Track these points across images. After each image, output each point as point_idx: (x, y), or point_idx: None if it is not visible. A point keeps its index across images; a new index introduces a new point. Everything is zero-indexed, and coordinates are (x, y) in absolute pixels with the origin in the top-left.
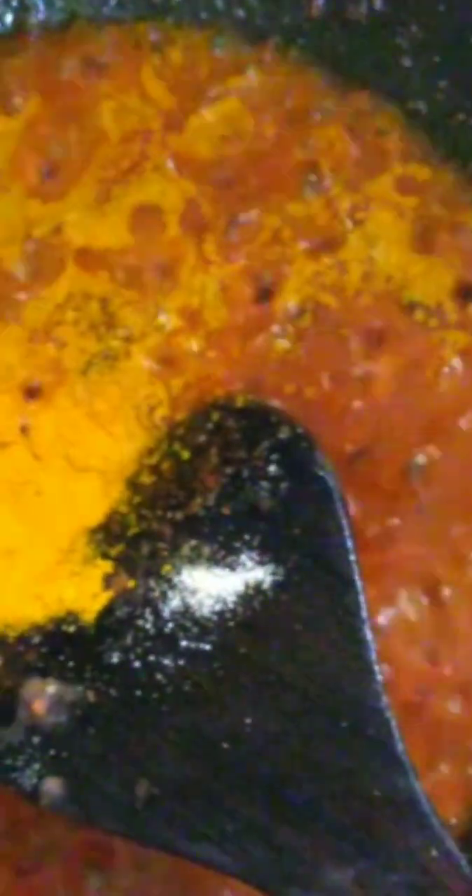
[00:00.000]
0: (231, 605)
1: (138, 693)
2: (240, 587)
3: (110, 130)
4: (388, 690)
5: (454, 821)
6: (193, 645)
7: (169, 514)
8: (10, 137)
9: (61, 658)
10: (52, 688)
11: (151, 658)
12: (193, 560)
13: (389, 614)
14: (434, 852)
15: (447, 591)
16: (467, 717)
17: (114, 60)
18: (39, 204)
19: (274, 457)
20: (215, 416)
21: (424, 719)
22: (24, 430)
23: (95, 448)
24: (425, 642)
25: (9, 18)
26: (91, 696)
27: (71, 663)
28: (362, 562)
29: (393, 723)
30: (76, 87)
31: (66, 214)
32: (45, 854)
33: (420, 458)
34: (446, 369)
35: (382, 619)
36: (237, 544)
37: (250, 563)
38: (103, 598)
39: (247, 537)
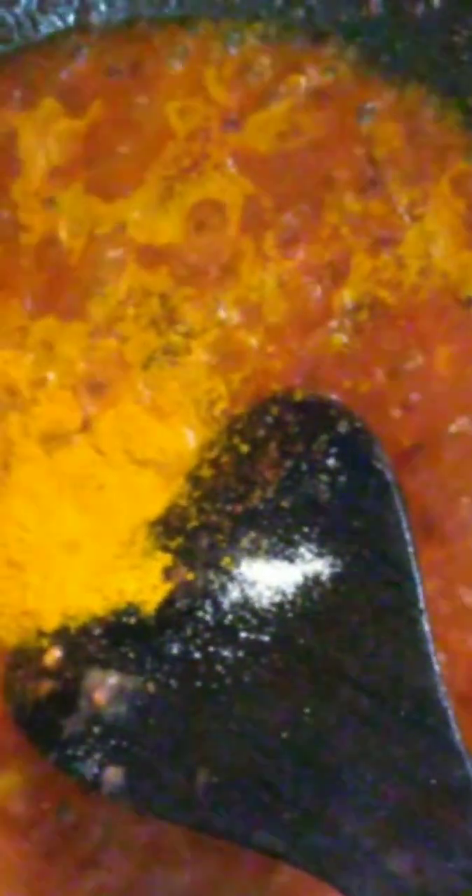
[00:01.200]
0: (290, 597)
1: (198, 684)
2: (299, 579)
3: (177, 129)
4: (445, 681)
5: None
6: (252, 636)
7: (228, 507)
8: (75, 138)
9: (122, 649)
10: (112, 679)
11: (211, 649)
12: (252, 552)
13: (448, 605)
14: None
15: None
16: None
17: (176, 61)
18: (102, 202)
19: (333, 450)
20: (274, 409)
21: None
22: (85, 424)
23: (156, 442)
24: None
25: (71, 17)
26: (151, 686)
27: (131, 654)
28: (422, 554)
29: (450, 713)
30: (138, 87)
31: (129, 213)
32: (106, 848)
33: None
34: None
35: (441, 609)
36: (296, 536)
37: (308, 556)
38: (163, 590)
39: (306, 530)
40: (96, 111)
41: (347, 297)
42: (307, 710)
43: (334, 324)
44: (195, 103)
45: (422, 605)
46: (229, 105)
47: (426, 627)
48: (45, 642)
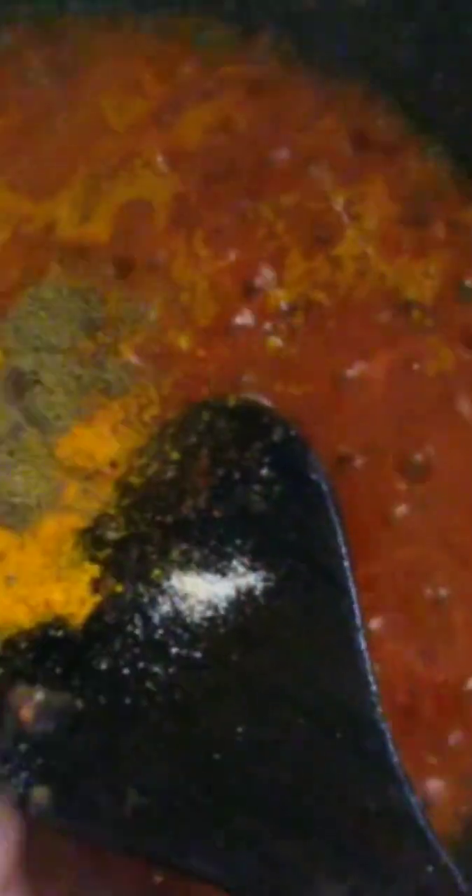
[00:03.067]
0: (222, 612)
1: (128, 701)
2: (231, 593)
3: (114, 125)
4: (382, 693)
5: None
6: (183, 652)
7: (158, 517)
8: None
9: (49, 664)
10: (39, 695)
11: (141, 665)
12: (183, 564)
13: (384, 616)
14: (430, 868)
15: (443, 593)
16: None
17: (107, 57)
18: (29, 200)
19: (266, 459)
20: (206, 415)
21: (417, 723)
22: (15, 428)
23: (84, 448)
24: (420, 643)
25: None
26: (79, 703)
27: (58, 670)
28: (357, 564)
29: (388, 734)
30: (67, 83)
31: (57, 211)
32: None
33: (417, 458)
34: (441, 369)
35: (376, 622)
36: (228, 549)
37: (241, 569)
38: (91, 602)
39: (238, 541)
40: (16, 109)
41: (281, 298)
42: (240, 730)
43: (268, 327)
44: (131, 99)
45: (358, 620)
46: (161, 100)
47: (363, 645)
48: None
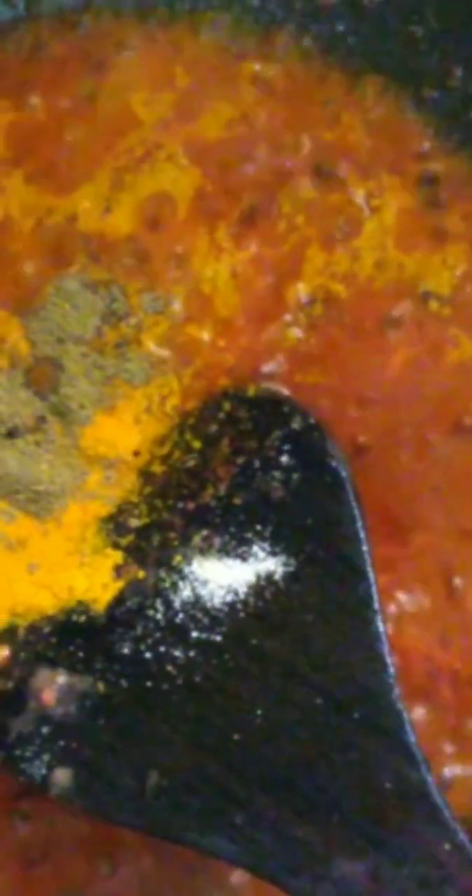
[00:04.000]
0: (242, 596)
1: (149, 684)
2: (251, 578)
3: (144, 119)
4: (400, 676)
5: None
6: (203, 636)
7: (180, 505)
8: (22, 128)
9: (71, 648)
10: (62, 678)
11: (162, 649)
12: (203, 550)
13: (403, 602)
14: (447, 846)
15: (458, 581)
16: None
17: (129, 52)
18: (50, 193)
19: (286, 447)
20: (227, 405)
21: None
22: (40, 418)
23: (106, 437)
24: (438, 630)
25: (20, 5)
26: (101, 686)
27: (81, 654)
28: (376, 551)
29: (405, 714)
30: (94, 77)
31: (79, 204)
32: (53, 844)
33: (435, 447)
34: (461, 358)
35: (396, 606)
36: (248, 535)
37: (261, 554)
38: (114, 588)
39: (258, 528)
40: (40, 102)
41: (301, 290)
42: (259, 712)
43: (288, 318)
44: (160, 93)
45: (376, 605)
46: (187, 94)
47: (381, 628)
48: None
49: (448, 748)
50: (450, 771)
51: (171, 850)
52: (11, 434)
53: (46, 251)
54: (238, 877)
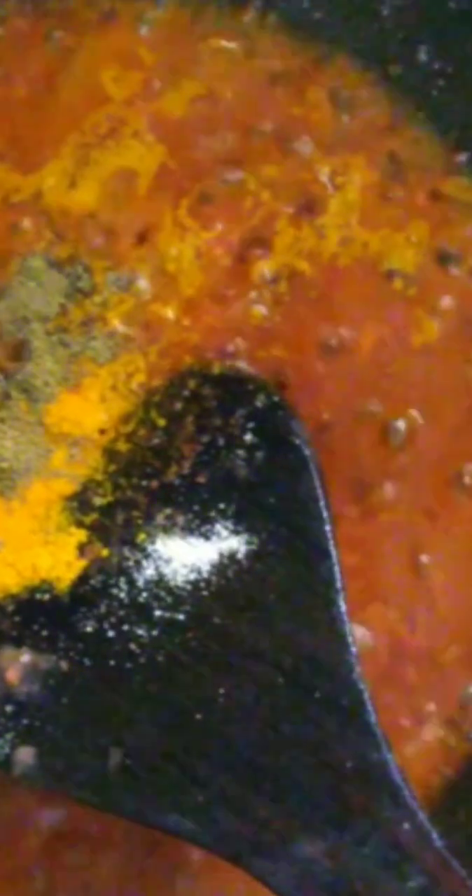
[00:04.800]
0: (205, 575)
1: (112, 663)
2: (214, 557)
3: (113, 95)
4: (363, 656)
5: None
6: (167, 615)
7: (144, 483)
8: None
9: (35, 627)
10: (25, 657)
11: (125, 628)
12: (167, 529)
13: (367, 580)
14: (406, 826)
15: (424, 559)
16: (438, 682)
17: (101, 27)
18: (16, 172)
19: (250, 425)
20: (192, 383)
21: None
22: (4, 395)
23: (71, 415)
24: (403, 608)
25: None
26: (65, 665)
27: (45, 632)
28: (341, 530)
29: (366, 694)
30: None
31: (45, 181)
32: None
33: (400, 424)
34: (425, 341)
35: (361, 583)
36: (212, 513)
37: (224, 533)
38: (77, 566)
39: (222, 506)
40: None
41: (266, 268)
42: (222, 691)
43: (252, 295)
44: (128, 70)
45: (339, 584)
46: (153, 71)
47: (343, 607)
48: None
49: (409, 727)
50: (411, 750)
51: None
52: None
53: (11, 228)
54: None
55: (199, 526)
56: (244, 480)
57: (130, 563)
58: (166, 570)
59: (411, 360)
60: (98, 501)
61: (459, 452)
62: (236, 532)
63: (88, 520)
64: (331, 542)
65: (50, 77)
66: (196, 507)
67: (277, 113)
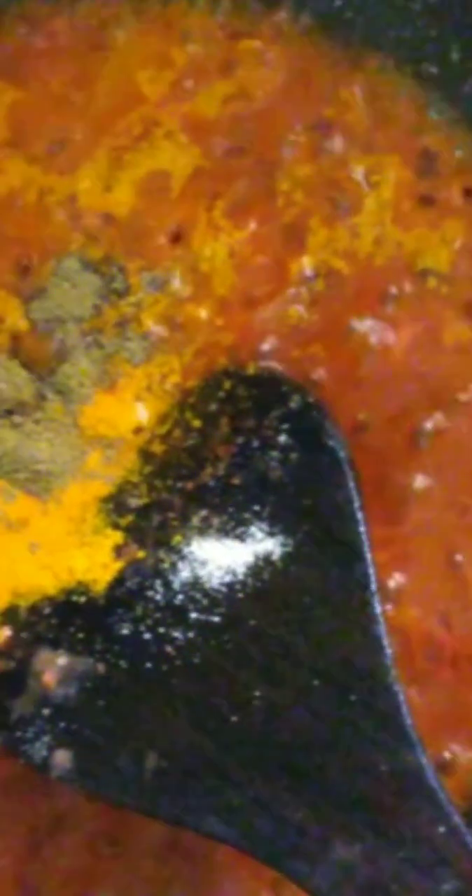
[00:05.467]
0: (241, 577)
1: (148, 665)
2: (250, 558)
3: (149, 96)
4: (399, 658)
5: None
6: (202, 617)
7: (179, 484)
8: (19, 107)
9: (72, 629)
10: (62, 659)
11: (161, 630)
12: (203, 531)
13: (402, 580)
14: (442, 829)
15: (459, 557)
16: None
17: (134, 25)
18: (53, 174)
19: (285, 426)
20: (226, 384)
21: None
22: (40, 397)
23: (107, 416)
24: (439, 608)
25: None
26: (101, 667)
27: (81, 634)
28: (374, 530)
29: (402, 697)
30: (95, 56)
31: (80, 183)
32: (58, 824)
33: (432, 425)
34: (458, 340)
35: (394, 586)
36: (247, 515)
37: (259, 535)
38: (113, 568)
39: (257, 508)
40: (39, 82)
41: (305, 265)
42: (257, 693)
43: (288, 296)
44: (162, 70)
45: (373, 586)
46: (185, 71)
47: (378, 609)
48: None
49: (448, 730)
50: (450, 752)
51: None
52: (11, 413)
53: (47, 230)
54: None
55: (234, 528)
56: (279, 482)
57: (166, 566)
58: (202, 572)
59: (443, 359)
60: (134, 503)
61: None
62: (270, 534)
63: (123, 522)
64: (366, 545)
65: (83, 81)
66: (231, 509)
67: (310, 113)
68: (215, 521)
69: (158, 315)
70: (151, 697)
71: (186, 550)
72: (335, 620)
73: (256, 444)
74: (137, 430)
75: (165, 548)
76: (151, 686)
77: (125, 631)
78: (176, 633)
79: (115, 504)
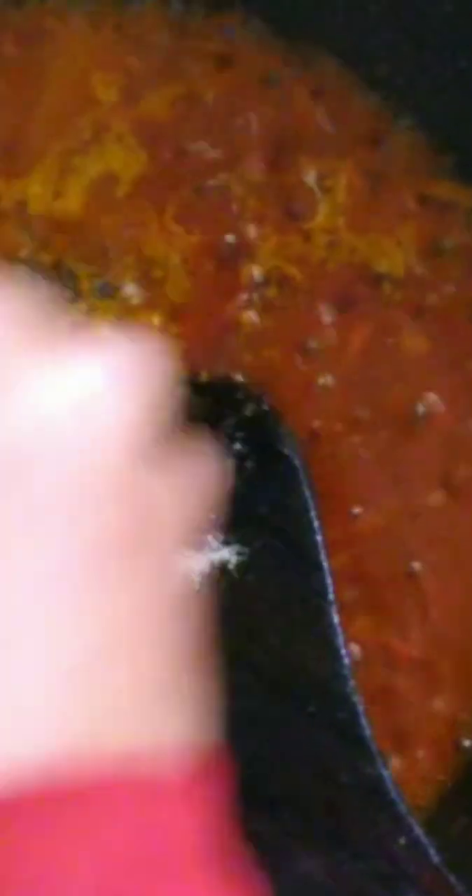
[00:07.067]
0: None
1: None
2: (205, 567)
3: (102, 99)
4: (358, 669)
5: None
6: None
7: None
8: None
9: None
10: None
11: None
12: None
13: (359, 590)
14: (403, 840)
15: (416, 565)
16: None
17: (83, 28)
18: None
19: (239, 434)
20: (179, 391)
21: (392, 698)
22: None
23: None
24: (395, 619)
25: None
26: None
27: None
28: (330, 537)
29: (360, 708)
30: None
31: (29, 188)
32: None
33: (384, 432)
34: (412, 346)
35: (350, 596)
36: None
37: (214, 543)
38: None
39: (211, 516)
40: None
41: (255, 271)
42: None
43: (240, 302)
44: (114, 74)
45: (331, 595)
46: (135, 74)
47: (335, 619)
48: None
49: (404, 739)
50: (407, 759)
51: None
52: None
53: None
54: None
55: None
56: (234, 490)
57: None
58: None
59: (397, 365)
60: None
61: (449, 454)
62: (226, 543)
63: None
64: (322, 554)
65: (32, 83)
66: None
67: (261, 116)
68: None
69: (110, 322)
70: None
71: None
72: (293, 630)
73: None
74: None
75: None
76: None
77: None
78: None
79: None
